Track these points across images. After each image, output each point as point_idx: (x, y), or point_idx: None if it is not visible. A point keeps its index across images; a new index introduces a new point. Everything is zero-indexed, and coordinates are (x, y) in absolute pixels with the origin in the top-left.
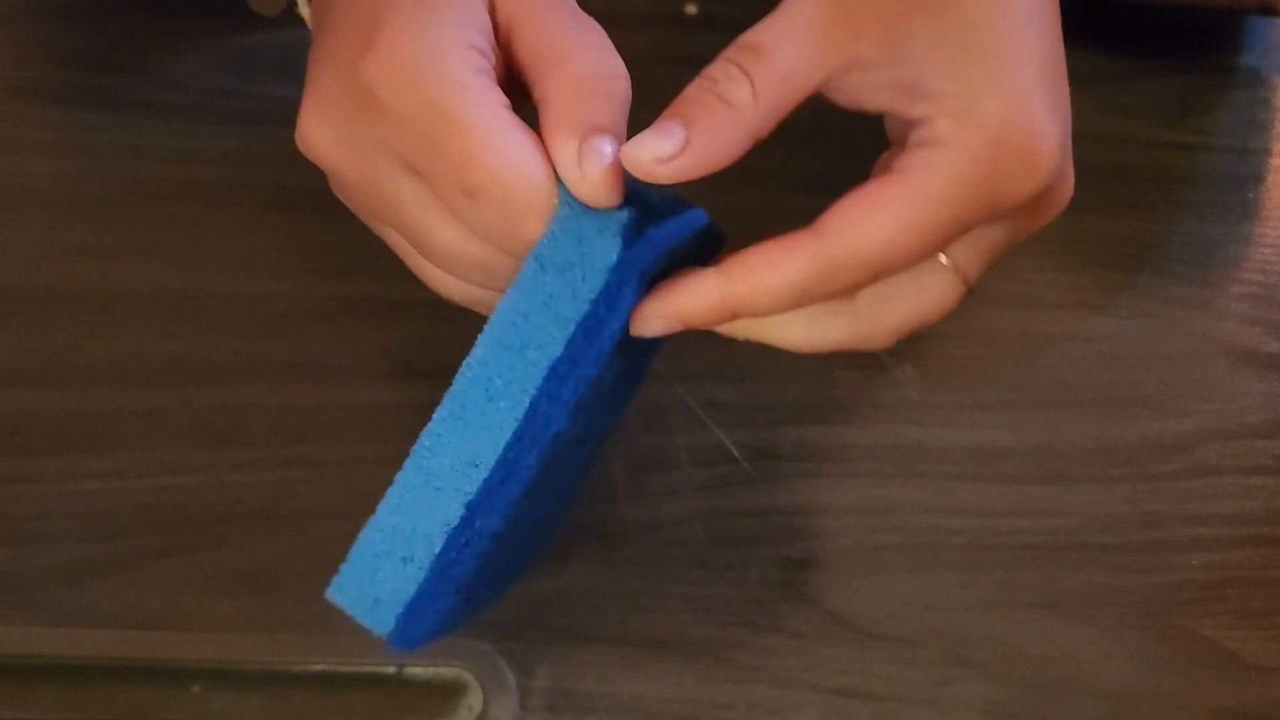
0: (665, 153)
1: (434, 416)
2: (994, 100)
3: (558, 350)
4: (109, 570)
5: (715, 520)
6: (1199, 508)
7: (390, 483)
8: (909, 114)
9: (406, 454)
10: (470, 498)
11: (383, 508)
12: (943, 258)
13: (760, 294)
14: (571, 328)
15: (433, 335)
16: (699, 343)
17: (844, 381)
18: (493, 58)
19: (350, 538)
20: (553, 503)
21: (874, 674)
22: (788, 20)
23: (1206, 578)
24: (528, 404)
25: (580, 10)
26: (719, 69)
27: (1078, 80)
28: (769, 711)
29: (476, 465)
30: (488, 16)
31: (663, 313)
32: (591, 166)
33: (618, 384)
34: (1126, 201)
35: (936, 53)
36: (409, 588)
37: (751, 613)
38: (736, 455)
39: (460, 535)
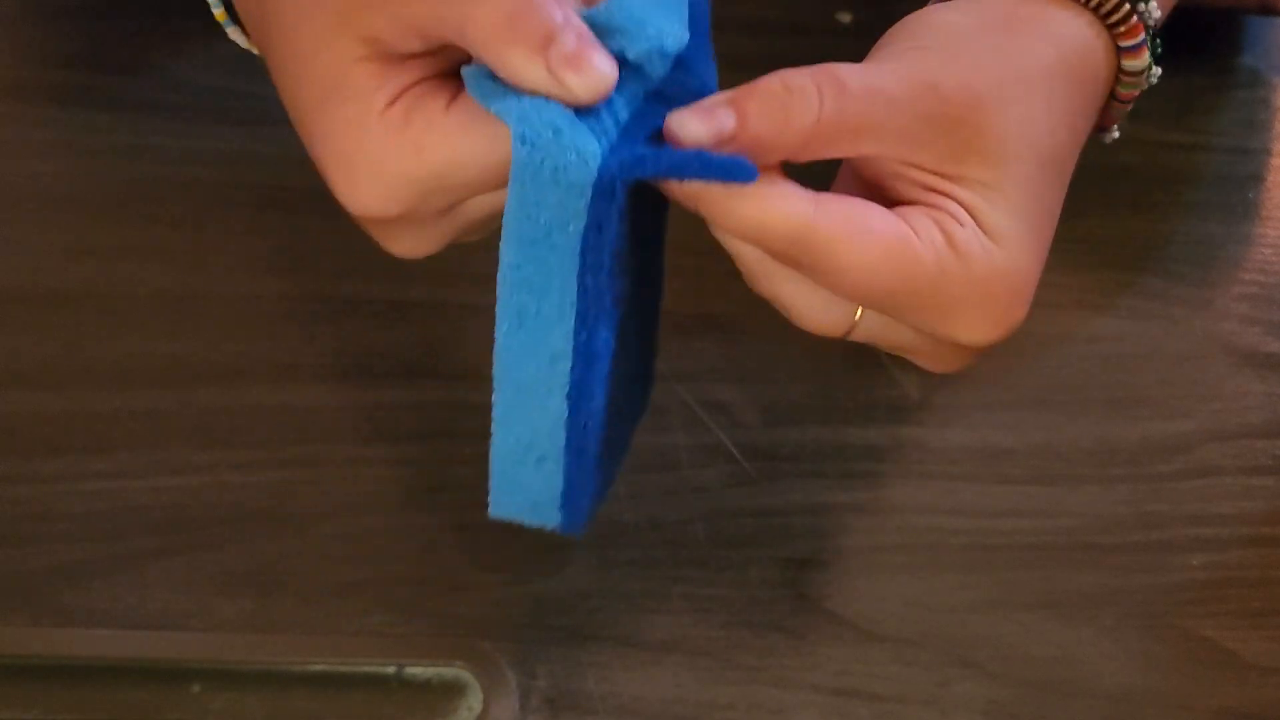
0: (706, 138)
1: (496, 334)
2: (1008, 262)
3: (582, 221)
4: (109, 570)
5: (715, 520)
6: (1199, 508)
7: (393, 482)
8: (936, 205)
9: (406, 454)
10: (566, 389)
11: (496, 430)
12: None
13: (731, 213)
14: (587, 193)
15: (433, 335)
16: (699, 343)
17: (844, 381)
18: (410, 74)
19: (350, 537)
20: (637, 362)
21: (874, 674)
22: (879, 84)
23: (1206, 578)
24: (575, 285)
25: None
26: (802, 80)
27: None
28: (769, 711)
29: (555, 360)
30: (370, 66)
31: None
32: (574, 77)
33: (645, 252)
34: (1126, 201)
35: (989, 192)
36: (557, 481)
37: (751, 613)
38: (736, 455)
39: (577, 421)
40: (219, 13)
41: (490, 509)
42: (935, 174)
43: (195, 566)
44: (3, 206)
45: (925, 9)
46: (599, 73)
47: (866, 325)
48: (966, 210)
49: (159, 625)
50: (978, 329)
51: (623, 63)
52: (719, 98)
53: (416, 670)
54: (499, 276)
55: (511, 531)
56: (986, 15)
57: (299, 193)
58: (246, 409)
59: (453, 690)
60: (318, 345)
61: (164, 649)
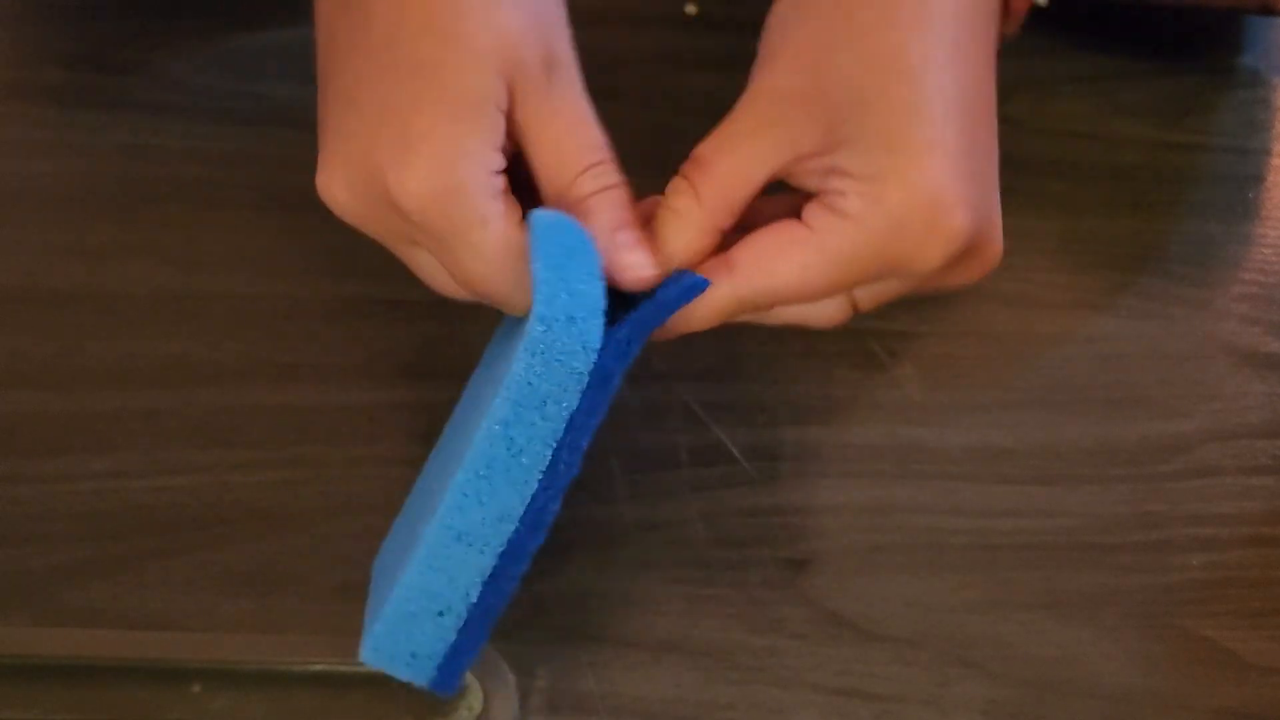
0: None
1: (458, 477)
2: (900, 190)
3: (575, 402)
4: (109, 570)
5: (715, 520)
6: (1199, 508)
7: (393, 482)
8: (825, 187)
9: (406, 454)
10: (501, 549)
11: (413, 567)
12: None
13: (691, 326)
14: (585, 379)
15: (433, 335)
16: (699, 343)
17: (844, 381)
18: (505, 163)
19: (351, 537)
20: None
21: (874, 674)
22: (728, 135)
23: (1206, 578)
24: (550, 457)
25: (579, 96)
26: (671, 184)
27: (1078, 80)
28: (769, 711)
29: (505, 519)
30: (504, 124)
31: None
32: (622, 270)
33: None
34: (1126, 201)
35: (859, 145)
36: (447, 638)
37: (751, 613)
38: (736, 455)
39: (495, 583)
40: None
41: (363, 653)
42: (816, 160)
43: (195, 566)
44: (3, 206)
45: None
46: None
47: (864, 298)
48: (846, 175)
49: (159, 625)
50: (926, 257)
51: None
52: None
53: None
54: (483, 426)
55: None
56: None
57: (299, 193)
58: (246, 409)
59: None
60: (318, 345)
61: (164, 649)
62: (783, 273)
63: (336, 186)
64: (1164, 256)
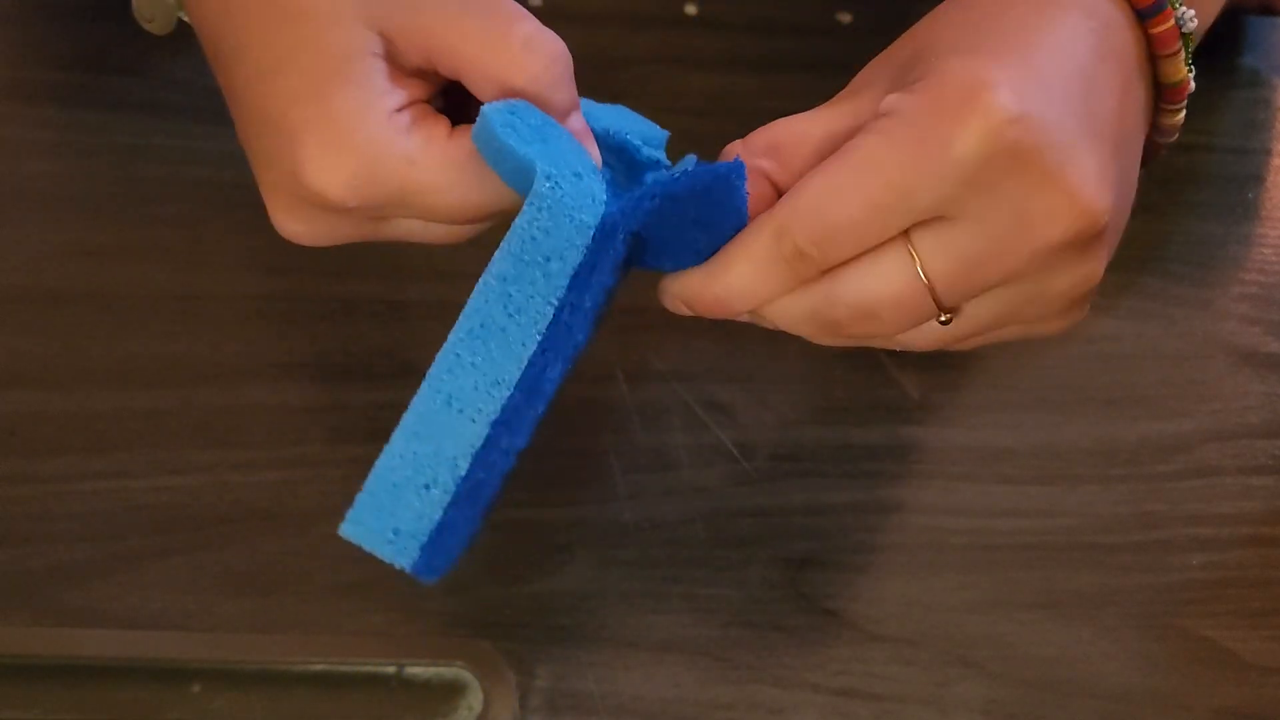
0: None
1: (449, 339)
2: (939, 70)
3: (578, 257)
4: (109, 570)
5: (715, 520)
6: (1199, 508)
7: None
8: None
9: None
10: (495, 416)
11: (398, 435)
12: (910, 250)
13: (734, 285)
14: (590, 233)
15: (433, 335)
16: (699, 343)
17: (844, 381)
18: (413, 91)
19: None
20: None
21: (874, 674)
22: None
23: (1206, 578)
24: (551, 315)
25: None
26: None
27: None
28: (769, 711)
29: (499, 383)
30: (384, 65)
31: (669, 301)
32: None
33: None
34: None
35: (944, 35)
36: (433, 514)
37: (751, 613)
38: (736, 455)
39: (487, 455)
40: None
41: (344, 526)
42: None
43: (195, 566)
44: (3, 206)
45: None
46: None
47: (927, 253)
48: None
49: (159, 625)
50: (967, 140)
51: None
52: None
53: (416, 670)
54: (480, 283)
55: (511, 531)
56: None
57: None
58: (246, 409)
59: (453, 690)
60: (318, 345)
61: (164, 649)
62: (817, 189)
63: (283, 219)
64: (1164, 256)
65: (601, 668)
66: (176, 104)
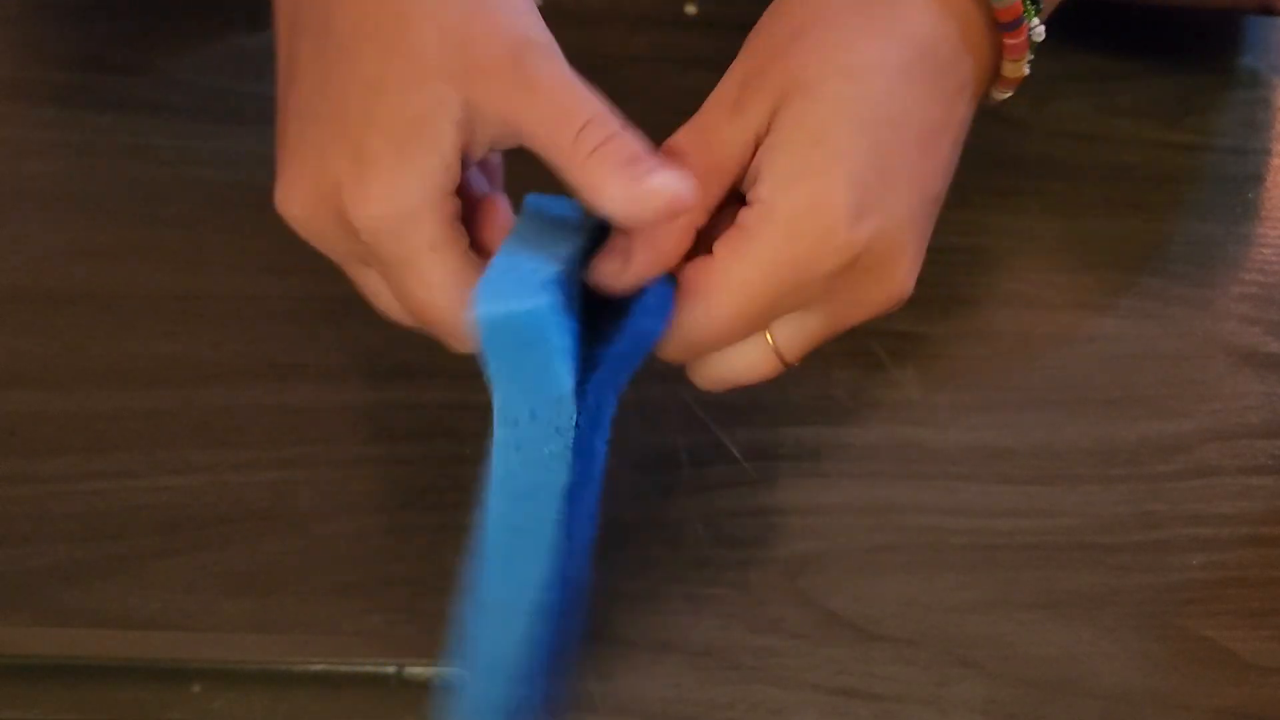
0: (675, 186)
1: (478, 567)
2: (790, 196)
3: (562, 477)
4: (109, 570)
5: (715, 520)
6: (1199, 508)
7: (393, 482)
8: (748, 196)
9: (406, 454)
10: (530, 613)
11: (470, 653)
12: (767, 335)
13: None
14: (568, 456)
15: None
16: None
17: (844, 381)
18: (458, 180)
19: (350, 537)
20: None
21: (874, 674)
22: (699, 127)
23: (1206, 578)
24: (552, 532)
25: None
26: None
27: (1078, 80)
28: (769, 711)
29: (526, 587)
30: (457, 135)
31: None
32: (652, 198)
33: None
34: (1126, 201)
35: (783, 137)
36: (523, 693)
37: (751, 613)
38: (736, 455)
39: (532, 641)
40: None
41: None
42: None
43: (195, 566)
44: (3, 206)
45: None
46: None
47: (784, 342)
48: (763, 178)
49: (159, 625)
50: (815, 264)
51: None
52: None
53: (416, 670)
54: (485, 512)
55: None
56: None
57: None
58: (246, 409)
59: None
60: (318, 345)
61: (164, 649)
62: (697, 323)
63: (294, 201)
64: (1164, 256)
65: (601, 668)
66: (176, 104)
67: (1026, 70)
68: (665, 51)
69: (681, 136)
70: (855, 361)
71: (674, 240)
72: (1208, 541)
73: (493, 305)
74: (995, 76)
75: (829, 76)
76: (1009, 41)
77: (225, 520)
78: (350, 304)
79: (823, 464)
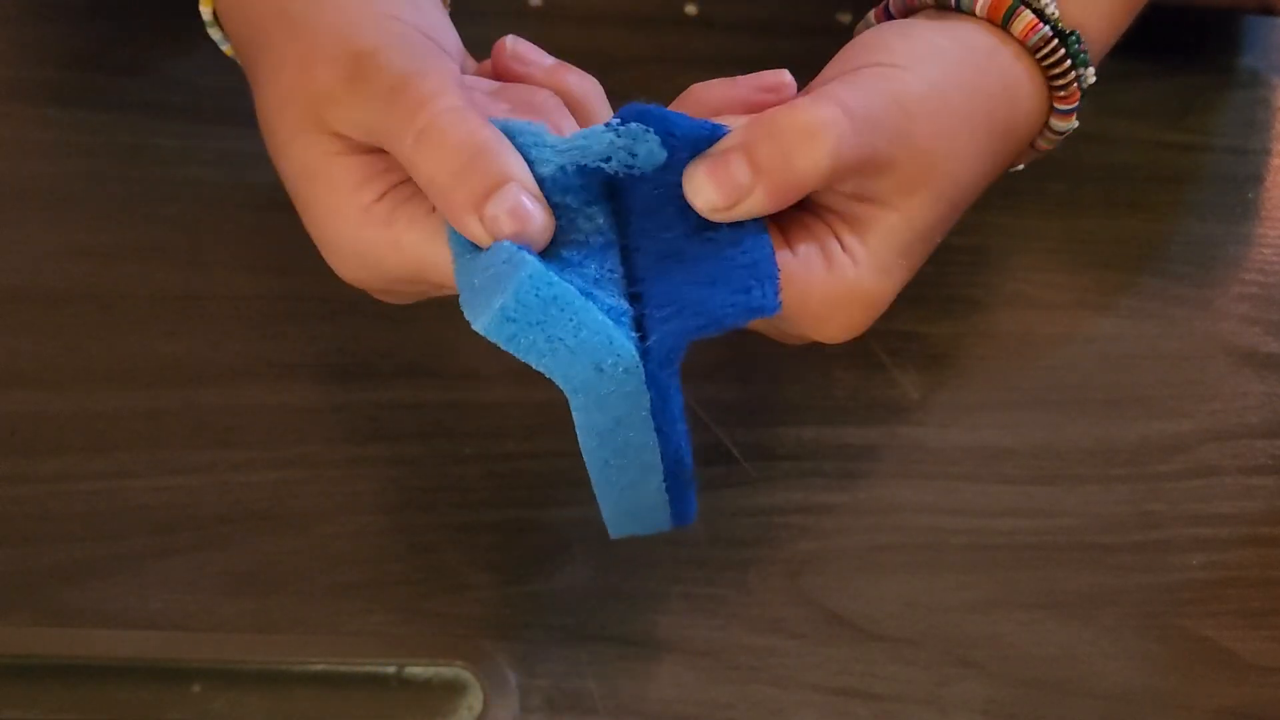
0: (721, 201)
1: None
2: (881, 281)
3: (646, 408)
4: (109, 570)
5: (715, 520)
6: (1199, 508)
7: (393, 482)
8: (825, 220)
9: (406, 454)
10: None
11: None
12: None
13: None
14: (643, 384)
15: (433, 335)
16: (699, 343)
17: (844, 381)
18: (392, 173)
19: (350, 537)
20: None
21: (874, 674)
22: (800, 106)
23: (1206, 578)
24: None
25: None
26: (813, 114)
27: None
28: (769, 711)
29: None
30: (349, 160)
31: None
32: (502, 228)
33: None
34: (1126, 201)
35: (892, 174)
36: (663, 497)
37: (751, 613)
38: (736, 455)
39: (662, 442)
40: (206, 13)
41: (611, 534)
42: (857, 195)
43: (195, 566)
44: (3, 206)
45: (900, 23)
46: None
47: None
48: (855, 231)
49: (159, 625)
50: (828, 334)
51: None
52: (728, 143)
53: (416, 670)
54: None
55: (511, 531)
56: (959, 39)
57: None
58: (246, 409)
59: (453, 690)
60: (318, 345)
61: (164, 649)
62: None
63: (343, 269)
64: (1164, 256)
65: (601, 668)
66: (176, 104)
67: (1075, 123)
68: (665, 51)
69: (782, 113)
70: (855, 361)
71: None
72: (1208, 541)
73: (482, 314)
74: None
75: (931, 127)
76: (1058, 105)
77: (225, 520)
78: (350, 304)
79: (823, 464)
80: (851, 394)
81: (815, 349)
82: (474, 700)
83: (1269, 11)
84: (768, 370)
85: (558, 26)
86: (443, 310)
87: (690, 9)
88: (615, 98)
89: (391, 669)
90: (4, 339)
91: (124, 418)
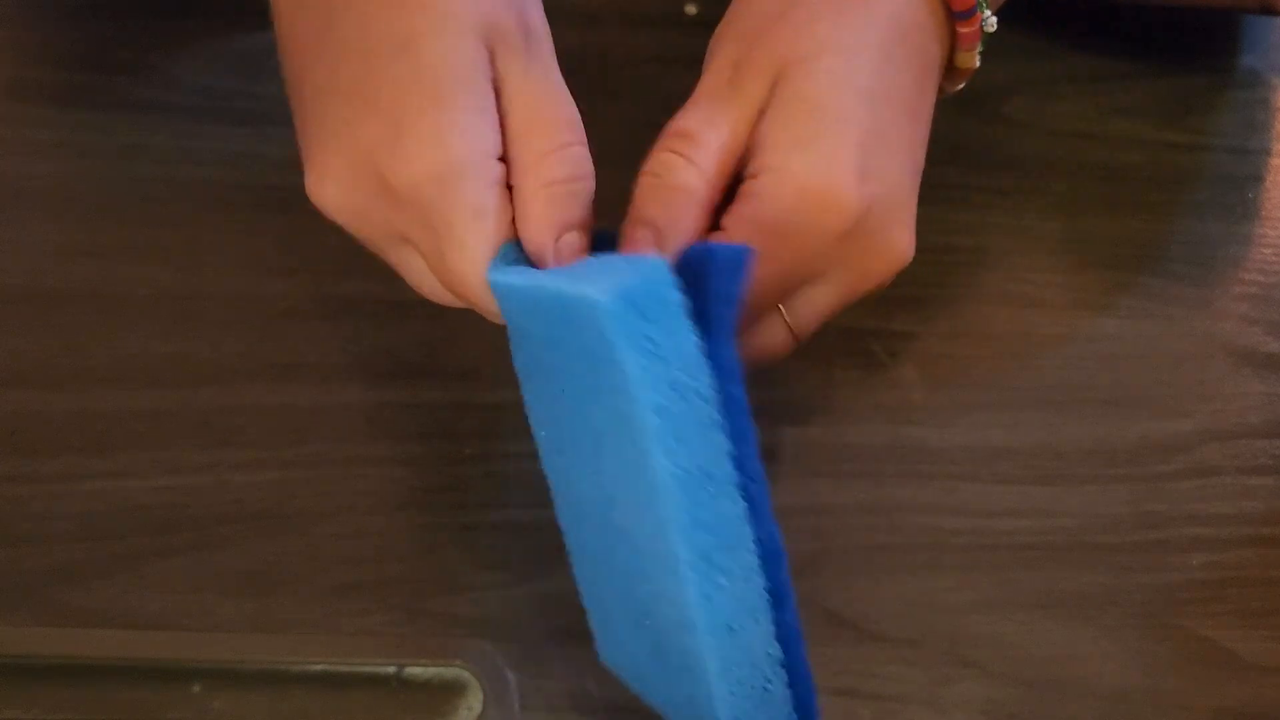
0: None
1: (687, 596)
2: (800, 158)
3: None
4: (109, 570)
5: None
6: (1199, 508)
7: (393, 482)
8: (749, 170)
9: (406, 454)
10: (766, 593)
11: (717, 684)
12: (782, 310)
13: None
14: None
15: (433, 335)
16: None
17: (844, 381)
18: (501, 144)
19: (350, 537)
20: None
21: (874, 674)
22: (705, 106)
23: (1206, 578)
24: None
25: (563, 94)
26: (662, 160)
27: (1078, 80)
28: None
29: (750, 579)
30: (493, 96)
31: None
32: (567, 258)
33: None
34: (1126, 201)
35: (785, 111)
36: (787, 703)
37: None
38: None
39: (783, 627)
40: None
41: None
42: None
43: (195, 566)
44: (3, 206)
45: None
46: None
47: (796, 317)
48: (761, 159)
49: (159, 625)
50: (820, 227)
51: None
52: (628, 227)
53: (416, 670)
54: (671, 559)
55: (511, 531)
56: None
57: (299, 193)
58: (246, 409)
59: (453, 690)
60: (318, 345)
61: (164, 649)
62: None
63: (327, 183)
64: (1164, 256)
65: (601, 668)
66: (176, 104)
67: (977, 62)
68: (665, 51)
69: (687, 119)
70: (855, 361)
71: (691, 216)
72: (1208, 541)
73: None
74: (950, 67)
75: (822, 52)
76: (962, 30)
77: (225, 520)
78: (350, 304)
79: (823, 464)
80: (851, 394)
81: (815, 349)
82: (474, 700)
83: (1269, 11)
84: (768, 370)
85: (558, 26)
86: (442, 310)
87: (690, 9)
88: (614, 98)
89: (391, 669)
90: (4, 339)
91: (124, 418)
